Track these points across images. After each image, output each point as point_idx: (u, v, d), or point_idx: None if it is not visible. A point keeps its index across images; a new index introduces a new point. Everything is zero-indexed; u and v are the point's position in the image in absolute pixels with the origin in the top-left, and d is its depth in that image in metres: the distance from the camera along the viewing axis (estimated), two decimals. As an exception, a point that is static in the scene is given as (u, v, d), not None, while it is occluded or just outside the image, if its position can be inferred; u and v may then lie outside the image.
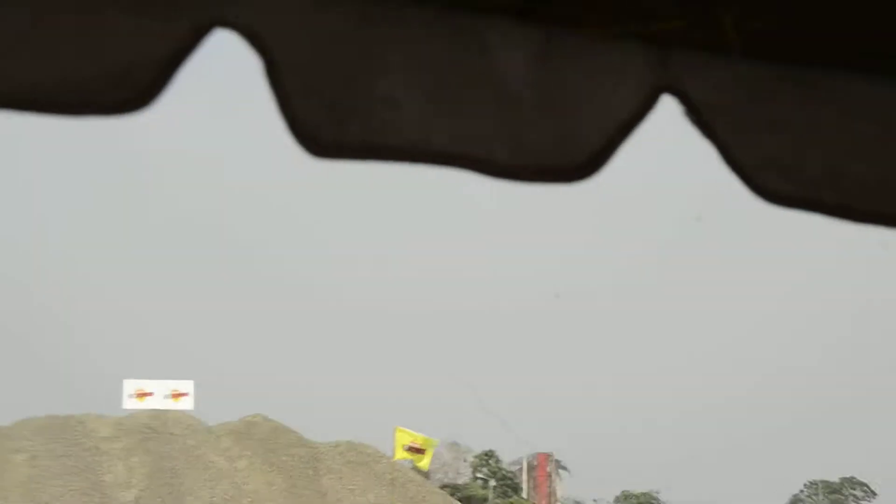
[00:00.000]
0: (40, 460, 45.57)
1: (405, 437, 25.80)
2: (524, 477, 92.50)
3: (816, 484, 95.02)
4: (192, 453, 46.61)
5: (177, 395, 48.65)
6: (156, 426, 47.39)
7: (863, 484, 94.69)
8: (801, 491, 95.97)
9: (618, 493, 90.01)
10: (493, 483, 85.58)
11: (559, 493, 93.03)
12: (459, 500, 54.48)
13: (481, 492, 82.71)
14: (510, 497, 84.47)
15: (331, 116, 1.65)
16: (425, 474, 71.95)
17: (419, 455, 25.32)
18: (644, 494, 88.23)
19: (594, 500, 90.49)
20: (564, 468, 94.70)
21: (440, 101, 1.72)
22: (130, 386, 48.70)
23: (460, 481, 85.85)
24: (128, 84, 1.51)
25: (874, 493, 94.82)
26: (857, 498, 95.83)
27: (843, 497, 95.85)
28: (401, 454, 25.77)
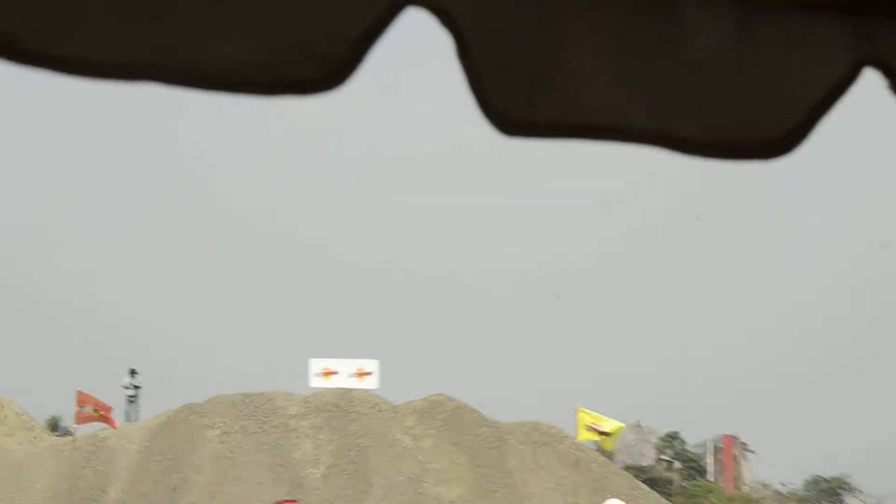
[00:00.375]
0: (231, 436, 46.67)
1: (587, 417, 25.66)
2: (710, 459, 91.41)
3: None
4: (377, 432, 47.20)
5: (362, 374, 49.29)
6: (342, 404, 48.11)
7: None
8: None
9: (808, 476, 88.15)
10: (677, 465, 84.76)
11: (746, 476, 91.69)
12: (644, 482, 54.09)
13: (666, 474, 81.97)
14: (695, 479, 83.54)
15: (521, 94, 1.62)
16: (609, 455, 71.65)
17: (605, 437, 25.14)
18: (835, 479, 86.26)
19: (782, 484, 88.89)
20: (751, 450, 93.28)
21: (632, 78, 1.68)
22: (317, 365, 49.52)
23: (644, 463, 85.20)
24: (321, 62, 1.50)
25: None
26: None
27: None
28: (584, 435, 25.66)
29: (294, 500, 20.41)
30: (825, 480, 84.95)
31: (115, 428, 31.70)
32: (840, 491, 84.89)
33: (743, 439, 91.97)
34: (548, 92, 1.62)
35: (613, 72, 1.66)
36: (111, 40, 1.47)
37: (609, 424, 24.93)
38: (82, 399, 28.30)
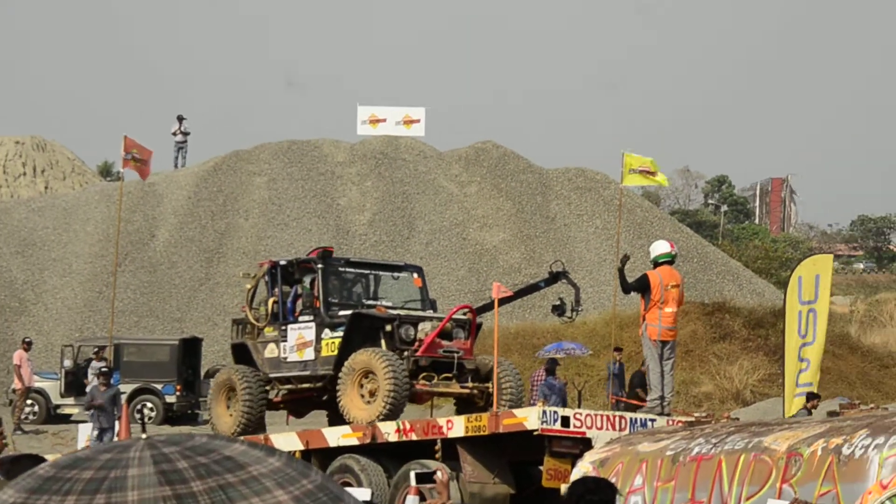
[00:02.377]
0: (278, 182, 47.10)
1: (633, 161, 25.61)
2: (757, 203, 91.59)
3: None
4: (423, 179, 47.45)
5: (409, 122, 49.26)
6: (388, 152, 48.27)
7: None
8: None
9: (854, 217, 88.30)
10: (724, 209, 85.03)
11: (793, 219, 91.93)
12: (689, 227, 54.36)
13: (712, 217, 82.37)
14: (742, 223, 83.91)
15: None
16: (655, 200, 71.75)
17: (650, 176, 25.11)
18: (882, 218, 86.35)
19: (829, 225, 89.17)
20: (796, 194, 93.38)
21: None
22: (364, 112, 49.48)
23: (691, 207, 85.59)
24: None
25: None
26: None
27: None
28: (629, 179, 25.67)
29: (331, 247, 20.66)
30: (871, 220, 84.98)
31: (143, 179, 31.91)
32: (886, 230, 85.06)
33: (791, 183, 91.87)
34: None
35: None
36: None
37: (650, 163, 24.87)
38: (128, 145, 28.46)
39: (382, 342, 18.85)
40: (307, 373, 19.55)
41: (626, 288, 17.61)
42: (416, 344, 18.79)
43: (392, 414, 18.17)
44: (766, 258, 59.78)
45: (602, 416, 17.27)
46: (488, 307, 19.40)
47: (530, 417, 16.78)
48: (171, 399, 33.01)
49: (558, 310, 19.53)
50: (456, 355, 18.89)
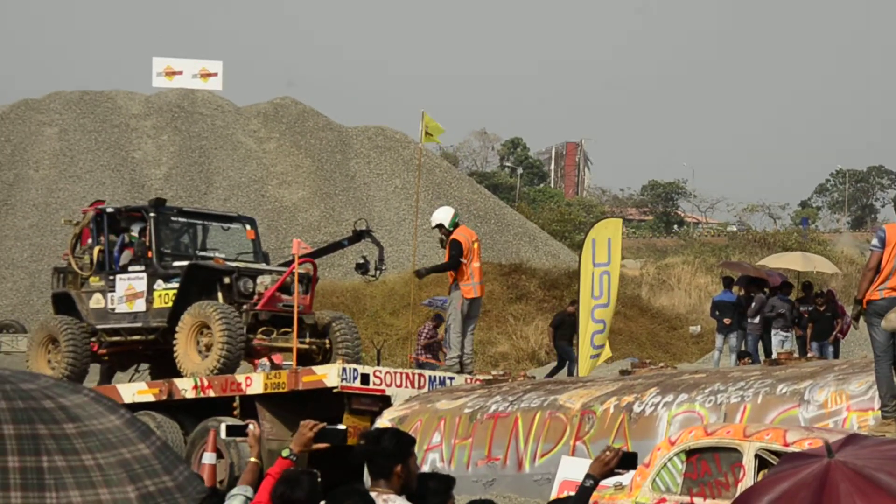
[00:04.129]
0: (70, 133, 45.95)
1: (431, 122, 25.73)
2: (552, 166, 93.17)
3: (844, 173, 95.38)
4: (220, 133, 46.86)
5: (205, 75, 48.56)
6: (185, 105, 47.50)
7: (890, 172, 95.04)
8: (827, 181, 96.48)
9: (644, 182, 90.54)
10: (520, 171, 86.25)
11: (586, 183, 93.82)
12: (486, 188, 55.00)
13: (509, 180, 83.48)
14: (537, 186, 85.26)
15: None
16: (454, 160, 72.37)
17: (428, 136, 25.27)
18: (670, 184, 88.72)
19: (621, 190, 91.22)
20: (590, 160, 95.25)
21: None
22: (159, 64, 48.58)
23: (488, 169, 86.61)
24: None
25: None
26: (884, 186, 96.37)
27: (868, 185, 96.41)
28: (427, 139, 25.80)
29: (163, 198, 20.11)
30: (661, 185, 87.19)
31: None
32: (674, 195, 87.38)
33: (585, 147, 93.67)
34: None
35: None
36: None
37: (433, 126, 25.05)
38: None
39: (220, 295, 18.36)
40: (138, 324, 18.89)
41: (452, 263, 17.63)
42: (256, 297, 18.42)
43: (226, 368, 17.78)
44: (561, 221, 60.83)
45: (401, 373, 17.37)
46: (289, 263, 19.21)
47: (330, 374, 16.78)
48: (-45, 354, 32.06)
49: (362, 268, 19.49)
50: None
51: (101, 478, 3.22)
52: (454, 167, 56.84)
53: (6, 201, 44.15)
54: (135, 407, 18.23)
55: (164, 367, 18.92)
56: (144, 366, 20.97)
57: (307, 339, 18.67)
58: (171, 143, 46.25)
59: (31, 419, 3.23)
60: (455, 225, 17.64)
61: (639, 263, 47.59)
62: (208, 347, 17.87)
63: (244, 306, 18.28)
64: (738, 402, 13.22)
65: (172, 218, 19.39)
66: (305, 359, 18.74)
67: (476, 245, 17.64)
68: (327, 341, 18.73)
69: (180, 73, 48.22)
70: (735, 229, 71.39)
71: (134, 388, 18.67)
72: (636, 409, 14.14)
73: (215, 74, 48.58)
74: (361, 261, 19.58)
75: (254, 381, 17.36)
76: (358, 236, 19.95)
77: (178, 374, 18.16)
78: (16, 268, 42.27)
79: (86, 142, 45.69)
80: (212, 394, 17.72)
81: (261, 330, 18.35)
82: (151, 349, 19.37)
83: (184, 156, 45.86)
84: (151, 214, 18.99)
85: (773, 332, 24.06)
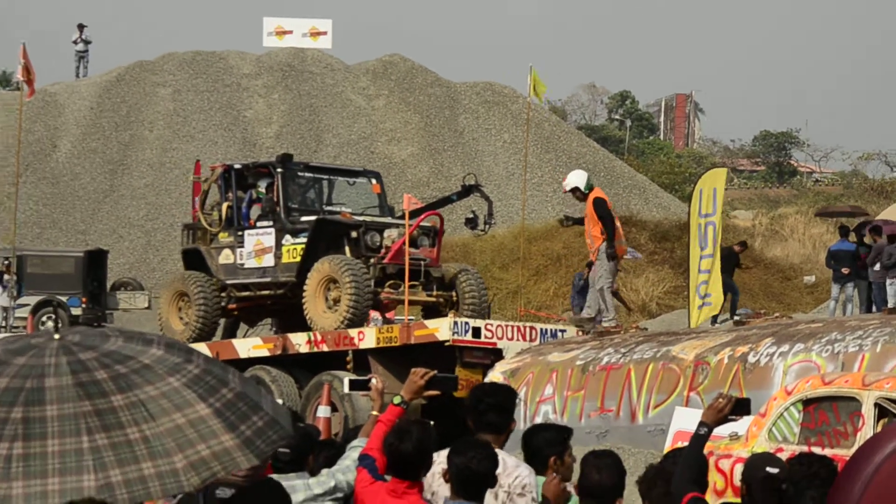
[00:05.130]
0: (183, 94, 46.48)
1: (538, 79, 25.58)
2: (661, 118, 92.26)
3: None
4: (330, 91, 47.07)
5: (315, 34, 48.78)
6: (295, 64, 47.79)
7: None
8: None
9: (756, 133, 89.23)
10: (629, 123, 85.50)
11: (696, 135, 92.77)
12: (595, 141, 54.66)
13: (618, 133, 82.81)
14: (647, 138, 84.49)
15: None
16: (563, 114, 72.03)
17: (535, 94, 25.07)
18: (783, 134, 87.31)
19: (732, 141, 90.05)
20: (702, 110, 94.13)
21: None
22: (269, 24, 48.91)
23: (597, 122, 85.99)
24: None
25: None
26: None
27: None
28: (544, 87, 25.64)
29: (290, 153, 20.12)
30: (773, 136, 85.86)
31: (29, 97, 30.87)
32: (787, 145, 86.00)
33: (695, 98, 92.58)
34: None
35: None
36: None
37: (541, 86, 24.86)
38: (26, 54, 27.88)
39: (347, 249, 18.36)
40: (267, 279, 18.98)
41: (612, 221, 17.66)
42: (383, 251, 18.34)
43: (354, 322, 17.74)
44: (671, 173, 60.26)
45: (512, 326, 17.41)
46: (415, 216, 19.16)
47: (441, 328, 16.86)
48: (76, 311, 32.70)
49: (471, 223, 19.50)
50: (423, 263, 18.48)
51: (146, 450, 3.13)
52: (563, 121, 56.55)
53: (122, 161, 44.87)
54: (251, 362, 18.48)
55: (292, 322, 19.05)
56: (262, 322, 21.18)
57: (434, 292, 18.59)
58: (282, 101, 46.59)
59: (79, 395, 3.14)
60: (590, 187, 17.64)
61: (751, 214, 47.05)
62: (336, 301, 17.88)
63: (371, 260, 18.24)
64: (857, 351, 13.06)
65: (299, 173, 19.44)
66: (433, 311, 18.73)
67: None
68: (454, 294, 18.67)
69: (290, 32, 48.51)
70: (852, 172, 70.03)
71: (249, 344, 18.93)
72: (751, 359, 14.03)
73: (325, 33, 48.80)
74: (471, 216, 19.60)
75: (366, 336, 17.51)
76: (467, 191, 19.96)
77: (306, 328, 18.27)
78: (132, 227, 42.99)
79: (198, 102, 46.21)
80: (325, 348, 17.91)
81: (388, 283, 18.31)
82: (280, 304, 19.46)
83: (294, 114, 46.18)
84: (279, 170, 19.05)
85: (888, 281, 23.64)
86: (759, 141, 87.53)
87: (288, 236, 18.77)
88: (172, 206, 42.14)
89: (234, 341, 19.34)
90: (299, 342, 18.17)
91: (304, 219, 18.81)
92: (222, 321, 20.18)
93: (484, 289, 19.05)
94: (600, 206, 17.34)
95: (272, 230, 18.87)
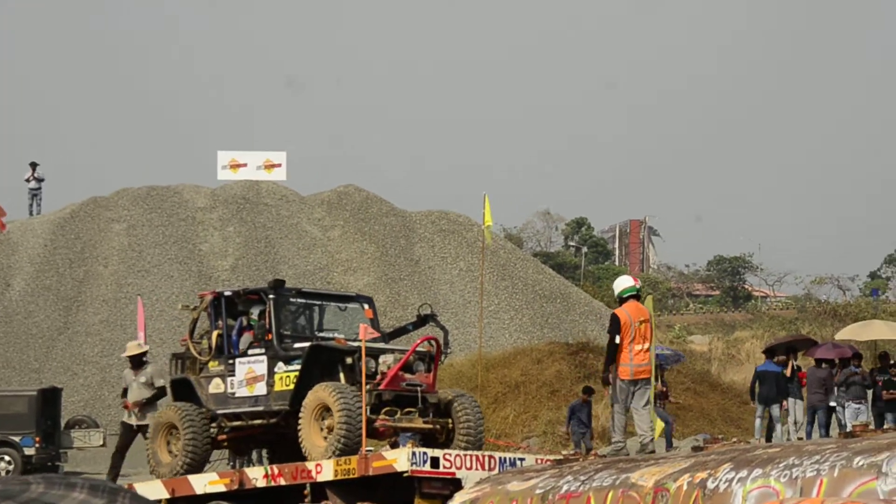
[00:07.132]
0: (138, 229, 46.51)
1: (488, 210, 25.82)
2: (616, 244, 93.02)
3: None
4: (285, 223, 47.25)
5: (269, 166, 49.08)
6: (250, 196, 48.00)
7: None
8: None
9: (710, 257, 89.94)
10: (584, 250, 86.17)
11: (651, 259, 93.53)
12: (551, 268, 54.94)
13: (573, 259, 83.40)
14: (602, 264, 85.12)
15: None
16: (518, 241, 72.54)
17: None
18: (736, 259, 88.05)
19: (686, 266, 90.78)
20: (657, 234, 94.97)
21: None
22: (224, 157, 49.20)
23: (552, 249, 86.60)
24: None
25: None
26: None
27: None
28: (490, 221, 25.86)
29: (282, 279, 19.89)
30: (727, 260, 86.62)
31: (1, 231, 30.87)
32: (741, 269, 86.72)
33: (649, 223, 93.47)
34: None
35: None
36: None
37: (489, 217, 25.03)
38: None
39: (342, 376, 18.06)
40: (259, 408, 18.57)
41: (612, 343, 16.49)
42: (378, 377, 18.04)
43: (347, 450, 17.28)
44: (627, 298, 60.39)
45: (471, 456, 17.28)
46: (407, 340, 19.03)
47: (400, 459, 16.73)
48: (29, 451, 32.27)
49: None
50: (419, 388, 18.22)
51: None
52: (518, 248, 56.89)
53: (76, 298, 44.68)
54: (207, 497, 18.24)
55: (284, 452, 18.72)
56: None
57: (431, 419, 18.31)
58: (237, 234, 46.68)
59: None
60: (624, 299, 16.76)
61: (707, 339, 47.21)
62: (330, 429, 17.54)
63: (368, 386, 17.89)
64: (814, 476, 13.02)
65: (291, 299, 19.18)
66: (429, 439, 18.40)
67: (643, 325, 16.52)
68: (450, 420, 18.36)
69: (245, 165, 48.78)
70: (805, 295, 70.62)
71: (205, 479, 18.69)
72: (710, 485, 13.96)
73: (279, 165, 49.10)
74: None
75: (324, 468, 17.34)
76: (423, 321, 19.90)
77: (299, 458, 17.90)
78: (87, 363, 42.66)
79: (153, 236, 46.23)
80: (282, 482, 17.71)
81: (384, 410, 18.04)
82: (272, 434, 19.12)
83: (250, 246, 46.25)
84: (271, 296, 18.78)
85: (845, 403, 23.82)
86: (714, 265, 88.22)
87: (280, 363, 18.46)
88: (127, 341, 41.86)
89: (190, 477, 19.09)
90: (256, 476, 17.98)
91: (296, 345, 18.53)
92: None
93: (480, 416, 18.70)
94: (610, 321, 16.75)
95: (264, 357, 18.56)
